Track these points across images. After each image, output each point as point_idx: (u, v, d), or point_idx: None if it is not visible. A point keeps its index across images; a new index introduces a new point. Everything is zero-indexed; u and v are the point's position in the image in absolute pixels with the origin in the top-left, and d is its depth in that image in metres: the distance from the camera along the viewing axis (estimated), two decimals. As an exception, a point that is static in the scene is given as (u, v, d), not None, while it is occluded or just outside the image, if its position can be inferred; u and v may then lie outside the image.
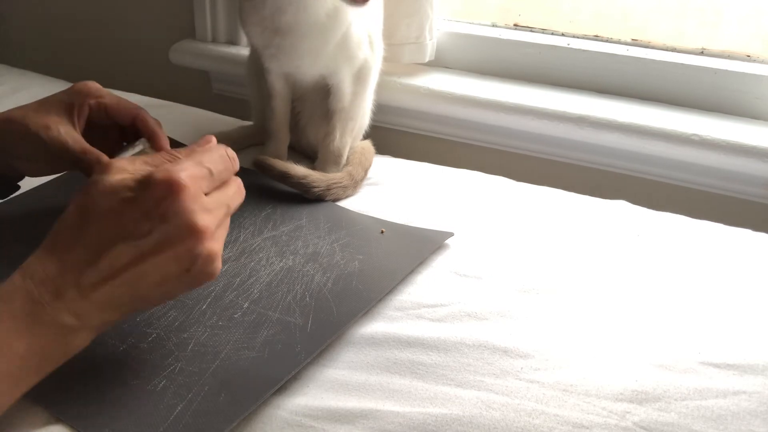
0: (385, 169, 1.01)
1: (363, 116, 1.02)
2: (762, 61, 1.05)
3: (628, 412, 0.59)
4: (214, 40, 1.30)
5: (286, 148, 1.00)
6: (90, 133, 0.76)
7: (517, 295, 0.74)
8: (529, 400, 0.60)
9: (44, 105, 0.76)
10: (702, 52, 1.09)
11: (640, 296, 0.74)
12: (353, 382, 0.62)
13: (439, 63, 1.19)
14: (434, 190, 0.96)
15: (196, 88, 1.35)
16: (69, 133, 0.74)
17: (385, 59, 1.03)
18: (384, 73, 1.04)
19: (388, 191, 0.96)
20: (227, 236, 0.60)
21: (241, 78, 1.15)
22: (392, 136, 1.18)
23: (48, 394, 0.57)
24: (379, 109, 1.07)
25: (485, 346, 0.66)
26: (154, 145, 0.76)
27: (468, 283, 0.76)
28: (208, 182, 0.57)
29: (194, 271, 0.56)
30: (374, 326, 0.69)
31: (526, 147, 1.13)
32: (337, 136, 0.96)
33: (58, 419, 0.56)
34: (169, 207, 0.53)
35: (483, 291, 0.74)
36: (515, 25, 1.19)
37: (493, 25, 1.20)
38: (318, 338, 0.65)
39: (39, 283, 0.52)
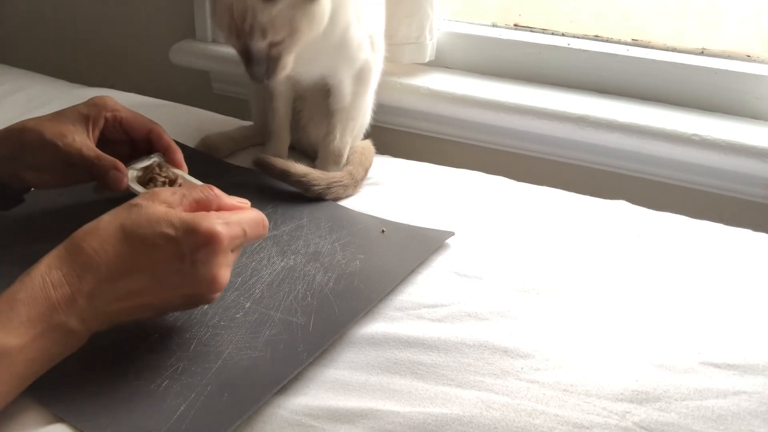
0: (386, 169, 1.01)
1: (364, 116, 1.02)
2: (762, 61, 1.05)
3: (628, 412, 0.59)
4: (214, 40, 1.30)
5: (286, 149, 1.00)
6: (101, 147, 0.77)
7: (518, 295, 0.74)
8: (530, 400, 0.60)
9: (59, 116, 0.77)
10: (702, 52, 1.09)
11: (640, 296, 0.74)
12: (354, 382, 0.62)
13: (439, 63, 1.19)
14: (434, 190, 0.96)
15: (196, 88, 1.35)
16: (83, 142, 0.76)
17: (386, 59, 1.03)
18: (384, 73, 1.04)
19: (389, 191, 0.96)
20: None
21: (241, 78, 1.14)
22: (392, 136, 1.18)
23: (51, 393, 0.57)
24: (379, 109, 1.07)
25: (485, 346, 0.66)
26: (169, 159, 0.79)
27: (468, 283, 0.76)
28: (240, 242, 0.61)
29: (191, 305, 0.63)
30: (375, 326, 0.69)
31: (526, 147, 1.13)
32: (338, 135, 0.96)
33: (60, 418, 0.56)
34: (203, 255, 0.58)
35: (483, 291, 0.74)
36: (515, 25, 1.20)
37: (493, 25, 1.20)
38: (320, 338, 0.65)
39: (57, 286, 0.54)
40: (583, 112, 1.05)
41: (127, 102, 0.83)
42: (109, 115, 0.78)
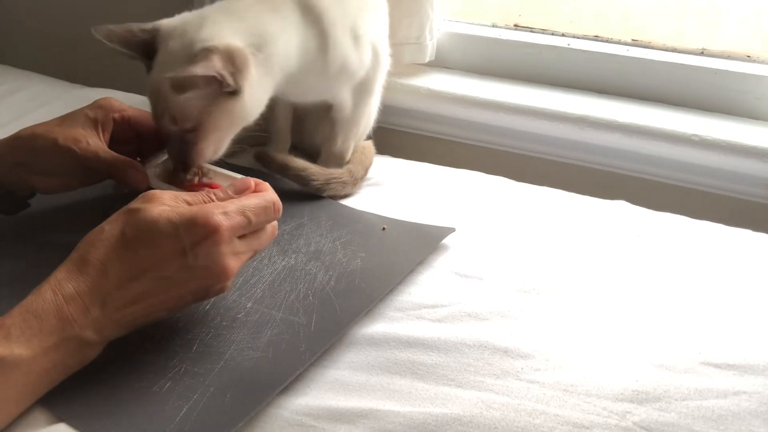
0: (386, 170, 1.01)
1: (366, 121, 1.01)
2: (762, 61, 1.06)
3: (628, 412, 0.59)
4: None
5: (287, 151, 1.00)
6: (110, 148, 0.78)
7: (518, 295, 0.74)
8: (530, 400, 0.60)
9: (67, 120, 0.78)
10: (702, 53, 1.09)
11: (641, 296, 0.74)
12: (354, 382, 0.62)
13: (440, 63, 1.19)
14: (435, 190, 0.96)
15: (196, 88, 1.35)
16: (98, 145, 0.76)
17: (386, 59, 1.03)
18: (384, 74, 1.04)
19: (389, 191, 0.96)
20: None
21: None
22: (392, 136, 1.18)
23: (53, 394, 0.57)
24: (380, 109, 1.07)
25: (485, 347, 0.66)
26: None
27: (468, 283, 0.76)
28: (245, 229, 0.61)
29: (204, 297, 0.63)
30: (375, 327, 0.69)
31: (526, 147, 1.13)
32: (339, 141, 0.96)
33: (62, 420, 0.56)
34: (205, 248, 0.58)
35: (483, 291, 0.74)
36: (515, 25, 1.20)
37: (493, 26, 1.20)
38: (322, 337, 0.65)
39: (69, 299, 0.55)
40: (583, 112, 1.05)
41: (128, 102, 0.83)
42: (116, 116, 0.79)
